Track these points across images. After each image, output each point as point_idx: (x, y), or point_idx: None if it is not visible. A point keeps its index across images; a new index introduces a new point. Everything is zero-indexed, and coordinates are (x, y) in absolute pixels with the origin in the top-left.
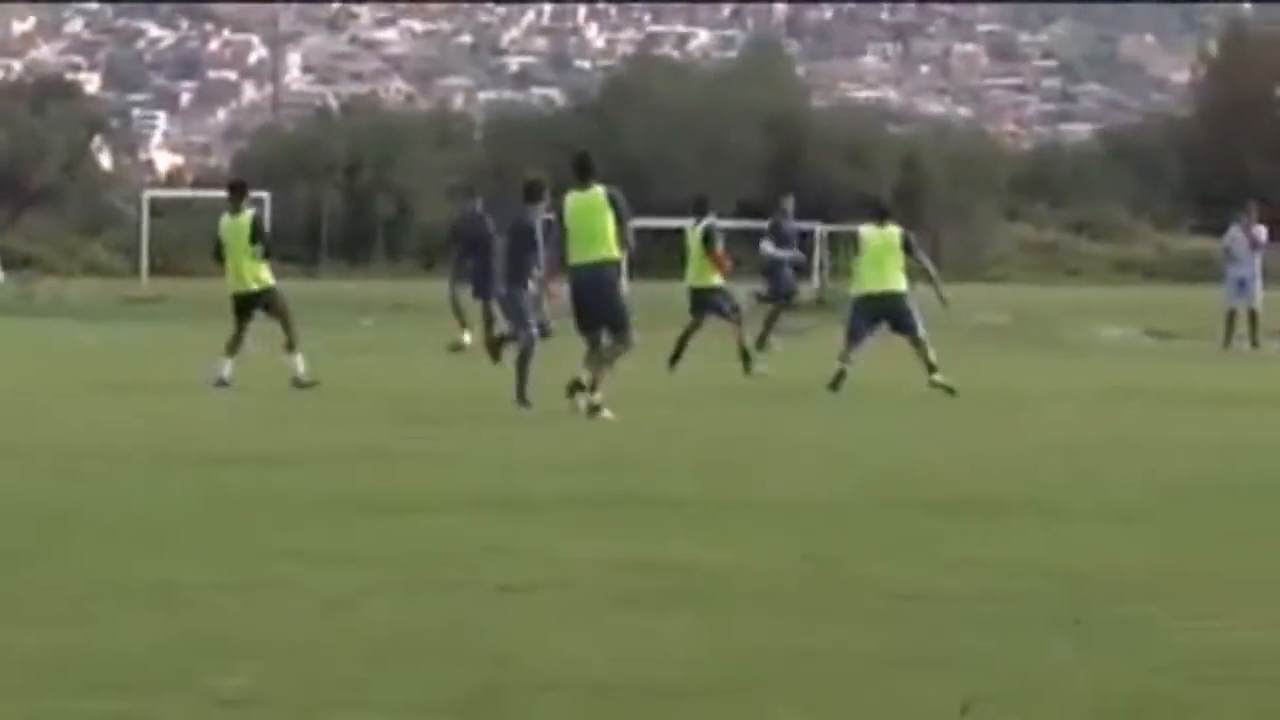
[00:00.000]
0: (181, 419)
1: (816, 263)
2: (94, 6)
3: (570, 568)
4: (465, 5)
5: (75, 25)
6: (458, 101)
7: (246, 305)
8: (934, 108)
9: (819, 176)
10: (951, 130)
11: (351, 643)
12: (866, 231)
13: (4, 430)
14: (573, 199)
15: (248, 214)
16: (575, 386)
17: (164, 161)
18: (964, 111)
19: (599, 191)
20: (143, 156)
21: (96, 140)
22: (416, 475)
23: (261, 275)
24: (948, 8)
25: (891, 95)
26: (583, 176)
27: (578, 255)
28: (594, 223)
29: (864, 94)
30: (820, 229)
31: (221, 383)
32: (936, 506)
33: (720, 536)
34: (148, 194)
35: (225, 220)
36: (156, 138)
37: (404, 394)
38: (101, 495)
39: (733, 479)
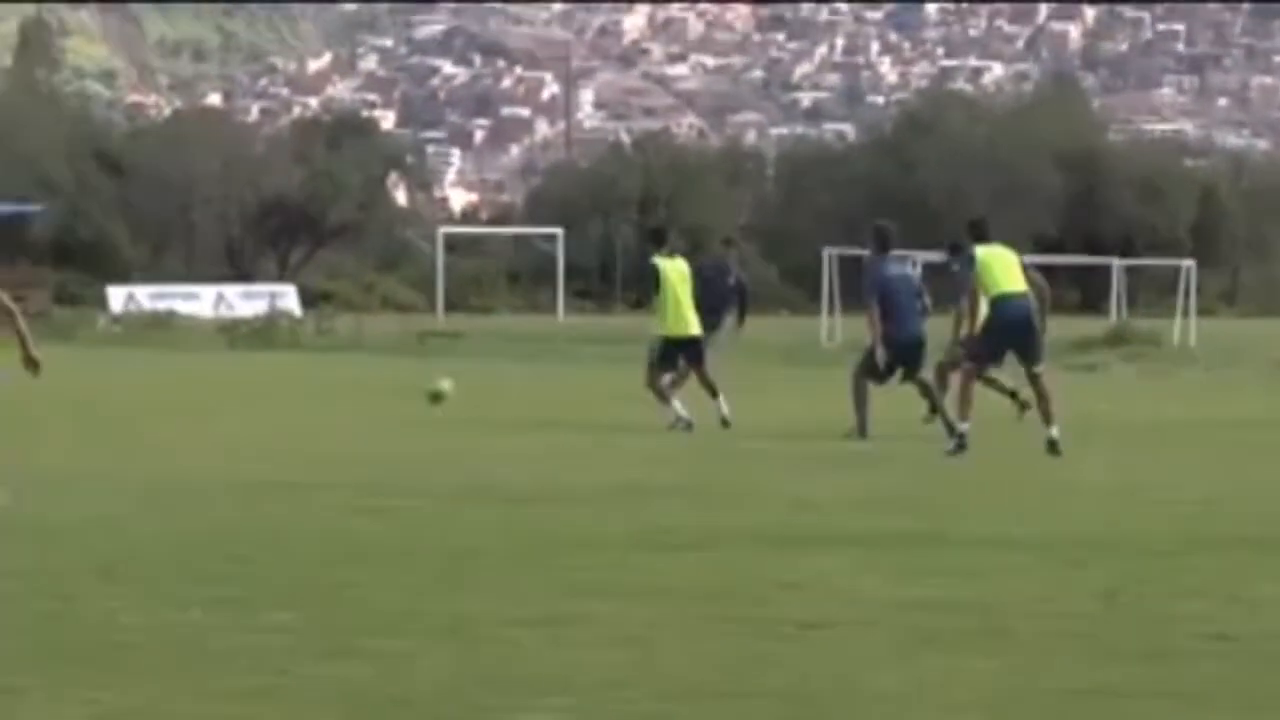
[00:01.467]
0: (480, 454)
1: (1114, 298)
2: (389, 44)
3: (868, 605)
4: (757, 40)
5: (370, 63)
6: (749, 137)
7: (680, 349)
8: (1232, 140)
9: (1114, 212)
10: (1250, 163)
11: (650, 678)
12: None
13: (303, 466)
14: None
15: (681, 259)
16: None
17: (459, 198)
18: (1262, 144)
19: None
20: (438, 193)
21: (392, 177)
22: (707, 511)
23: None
24: (1245, 39)
25: (1188, 128)
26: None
27: (1007, 287)
28: (1013, 264)
29: (1160, 127)
30: (1117, 264)
31: (688, 424)
32: (1240, 542)
33: (1018, 574)
34: (443, 230)
35: (664, 262)
36: (451, 174)
37: (698, 431)
38: (399, 530)
39: (1025, 516)
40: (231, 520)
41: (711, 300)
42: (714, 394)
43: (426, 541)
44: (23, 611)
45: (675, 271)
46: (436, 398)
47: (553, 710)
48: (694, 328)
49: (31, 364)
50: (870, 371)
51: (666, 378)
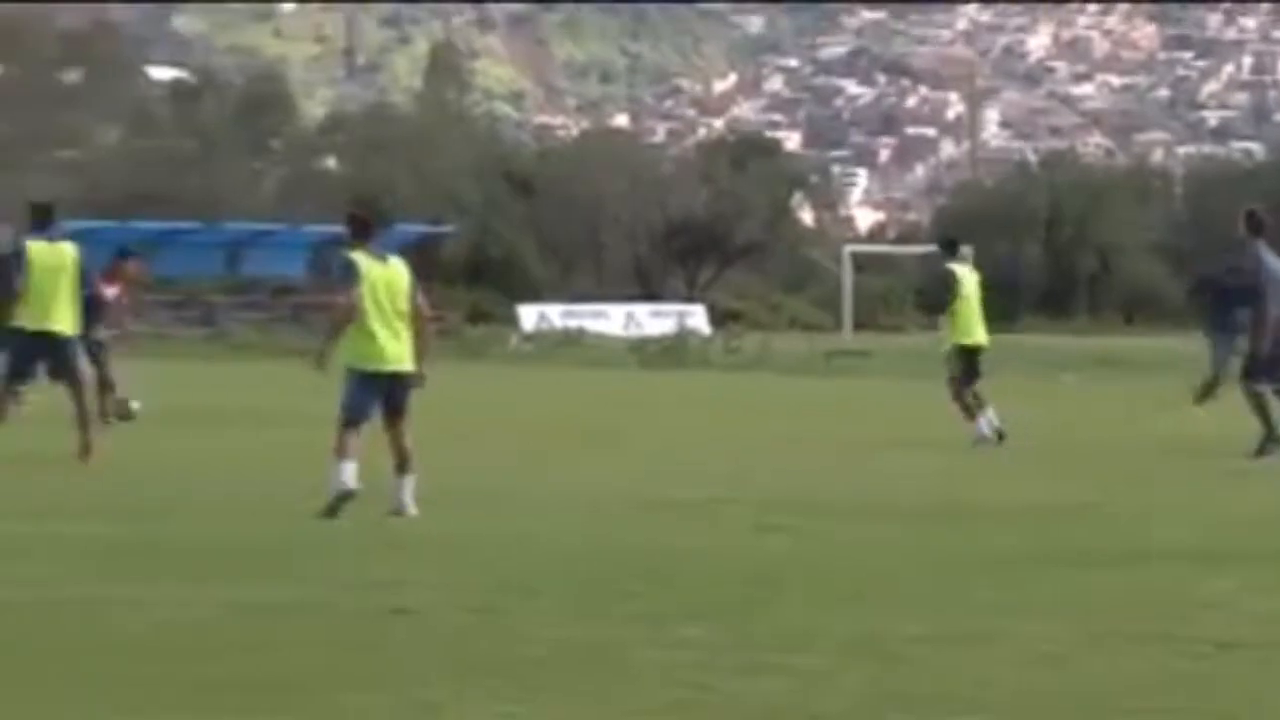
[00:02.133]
0: (883, 473)
1: None
2: (793, 64)
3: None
4: (1163, 59)
5: (775, 84)
6: (1156, 156)
7: (974, 355)
8: None
9: None
10: None
11: (1067, 696)
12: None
13: (710, 483)
14: None
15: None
16: None
17: (865, 217)
18: None
19: None
20: (843, 212)
21: (797, 197)
22: (1120, 529)
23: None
24: None
25: None
26: None
27: None
28: None
29: None
30: None
31: (996, 436)
32: None
33: None
34: (848, 249)
35: (960, 270)
36: (856, 194)
37: (1104, 449)
38: (806, 547)
39: None
40: (642, 536)
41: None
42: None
43: (833, 558)
44: (438, 625)
45: (970, 281)
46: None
47: None
48: (984, 336)
49: (418, 379)
50: (1260, 372)
51: (970, 390)
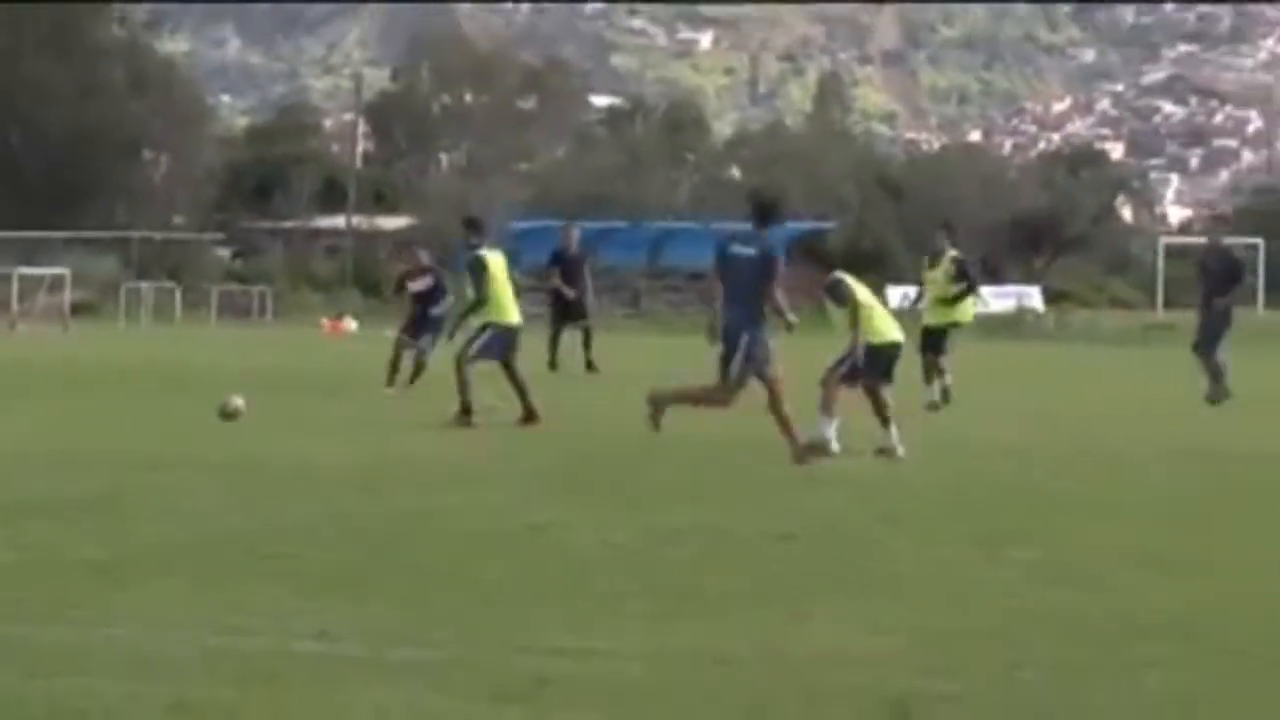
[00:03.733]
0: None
1: None
2: (1119, 88)
3: None
4: None
5: (1104, 104)
6: None
7: None
8: None
9: None
10: None
11: None
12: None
13: (1028, 430)
14: None
15: None
16: None
17: (1176, 214)
18: None
19: None
20: (1158, 210)
21: (1120, 198)
22: None
23: None
24: None
25: None
26: None
27: None
28: None
29: None
30: None
31: None
32: None
33: None
34: (1163, 240)
35: None
36: (1170, 195)
37: None
38: (1096, 486)
39: None
40: (984, 472)
41: None
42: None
43: (1148, 494)
44: (819, 552)
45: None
46: (228, 415)
47: None
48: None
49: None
50: None
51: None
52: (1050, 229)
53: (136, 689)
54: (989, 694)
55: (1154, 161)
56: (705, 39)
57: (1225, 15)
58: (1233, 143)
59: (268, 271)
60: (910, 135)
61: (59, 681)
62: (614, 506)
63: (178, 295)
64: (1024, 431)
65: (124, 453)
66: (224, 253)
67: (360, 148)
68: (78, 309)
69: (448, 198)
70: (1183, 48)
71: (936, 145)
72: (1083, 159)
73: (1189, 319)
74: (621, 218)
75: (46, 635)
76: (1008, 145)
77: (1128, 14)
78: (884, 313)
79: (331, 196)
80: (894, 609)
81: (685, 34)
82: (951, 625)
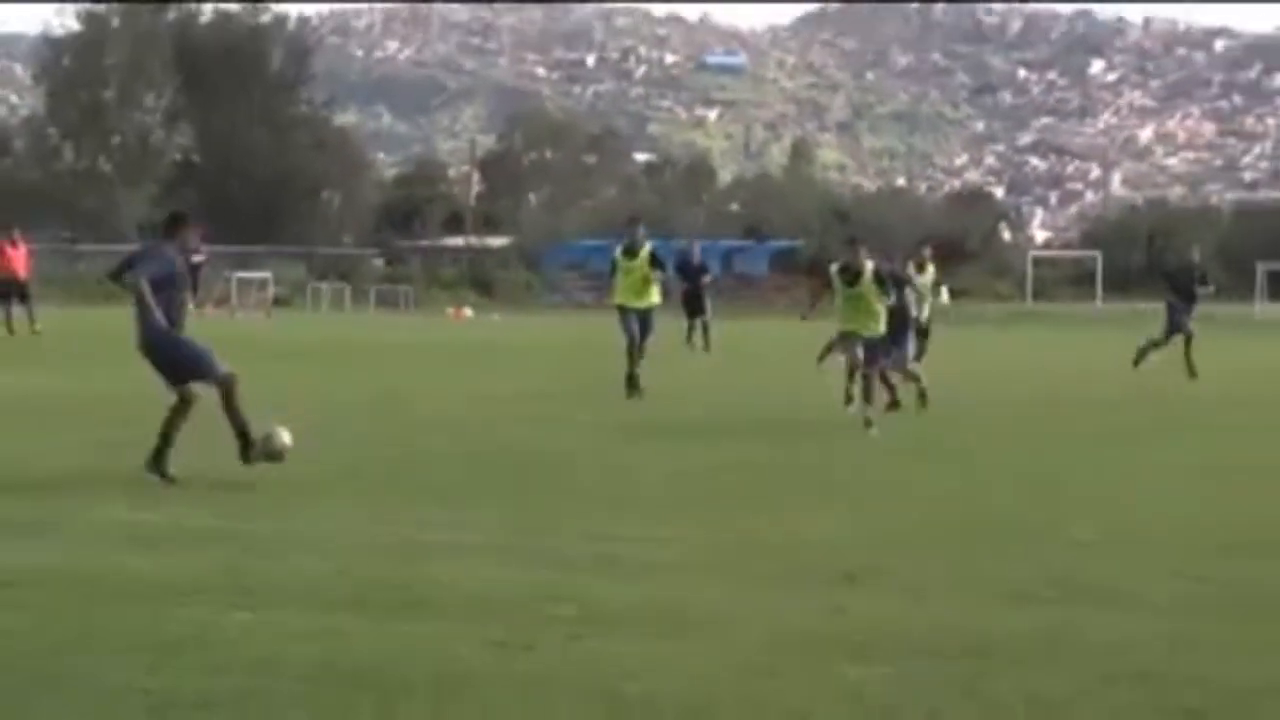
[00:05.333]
0: None
1: None
2: (1001, 148)
3: None
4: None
5: (990, 159)
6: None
7: None
8: None
9: None
10: None
11: None
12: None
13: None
14: None
15: None
16: None
17: (1040, 236)
18: None
19: None
20: (1027, 233)
21: (1001, 224)
22: None
23: None
24: None
25: None
26: None
27: None
28: None
29: None
30: None
31: None
32: None
33: None
34: (1031, 253)
35: None
36: (1035, 222)
37: None
38: None
39: None
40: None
41: None
42: None
43: None
44: (801, 471)
45: None
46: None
47: None
48: None
49: None
50: None
51: None
52: (952, 246)
53: (319, 563)
54: (912, 566)
55: (1025, 199)
56: (713, 114)
57: (1074, 98)
58: (1079, 186)
59: (410, 275)
60: (856, 180)
61: (289, 560)
62: (679, 441)
63: (347, 292)
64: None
65: (323, 397)
66: (379, 262)
67: (474, 190)
68: (278, 301)
69: (535, 224)
70: (1045, 120)
71: (874, 188)
72: (975, 198)
73: (1052, 310)
74: (656, 238)
75: (266, 528)
76: (923, 188)
77: (1007, 96)
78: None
79: (454, 224)
80: (849, 511)
81: (700, 110)
82: (889, 524)
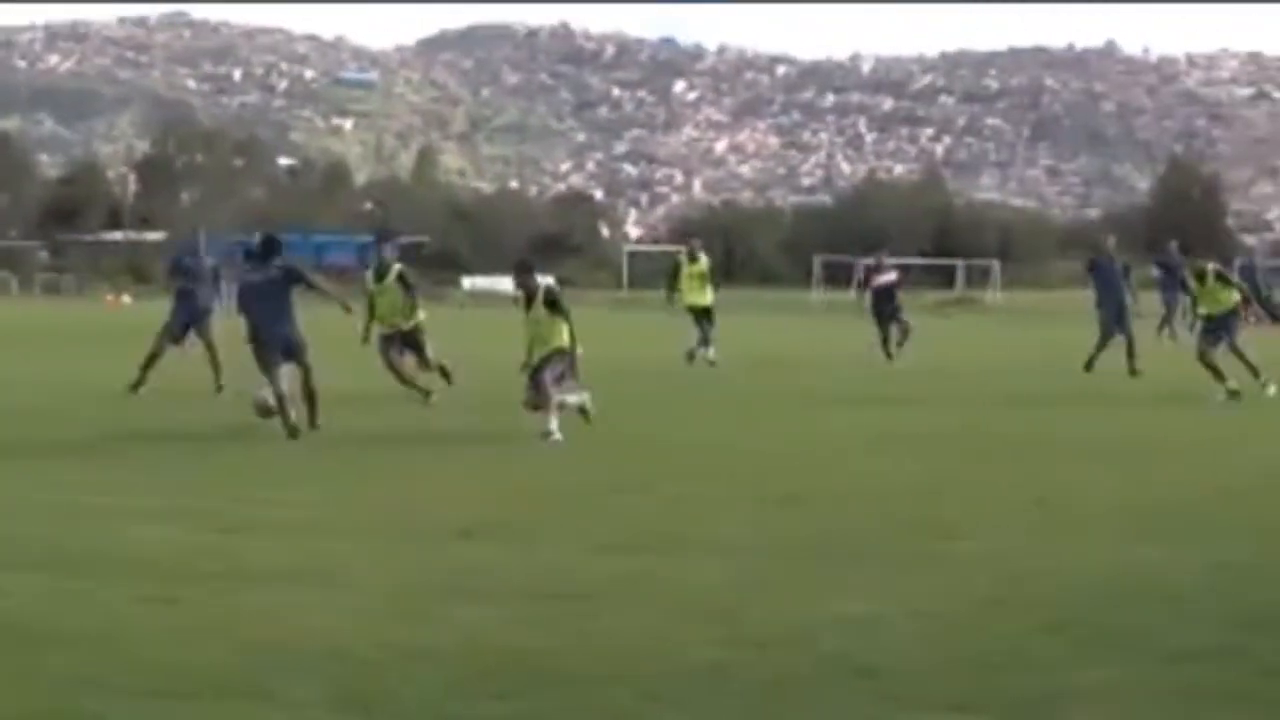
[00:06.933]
0: None
1: None
2: (600, 156)
3: None
4: None
5: (590, 166)
6: None
7: None
8: None
9: None
10: None
11: None
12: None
13: None
14: None
15: None
16: None
17: (634, 232)
18: None
19: None
20: (623, 231)
21: (601, 223)
22: None
23: None
24: None
25: None
26: None
27: None
28: None
29: None
30: None
31: None
32: None
33: None
34: (627, 248)
35: None
36: (630, 221)
37: None
38: None
39: None
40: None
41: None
42: None
43: None
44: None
45: None
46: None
47: None
48: None
49: None
50: None
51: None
52: (555, 244)
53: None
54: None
55: (620, 200)
56: (349, 124)
57: (661, 113)
58: (666, 190)
59: (73, 266)
60: (475, 184)
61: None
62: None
63: (14, 282)
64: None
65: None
66: (44, 254)
67: (131, 189)
68: None
69: (188, 221)
70: (636, 132)
71: (491, 190)
72: (578, 199)
73: (646, 297)
74: (295, 233)
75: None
76: (534, 190)
77: (604, 111)
78: None
79: (113, 220)
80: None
81: (336, 120)
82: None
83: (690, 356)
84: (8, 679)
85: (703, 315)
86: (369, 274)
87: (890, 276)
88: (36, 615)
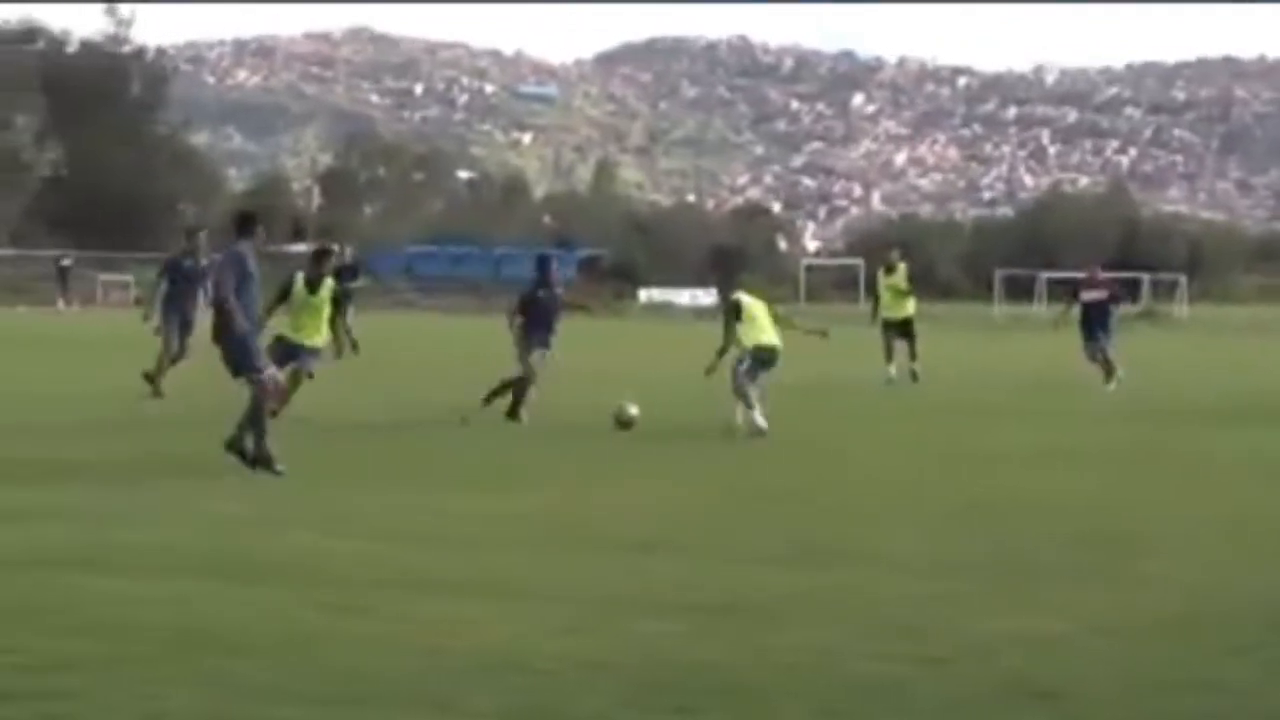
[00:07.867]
0: None
1: None
2: (778, 169)
3: None
4: None
5: (768, 179)
6: None
7: None
8: None
9: None
10: None
11: None
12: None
13: None
14: None
15: None
16: None
17: (811, 245)
18: None
19: None
20: (800, 244)
21: (778, 236)
22: None
23: None
24: None
25: None
26: None
27: None
28: None
29: None
30: None
31: None
32: None
33: None
34: (805, 262)
35: None
36: (808, 234)
37: None
38: None
39: None
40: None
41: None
42: None
43: None
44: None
45: None
46: (625, 425)
47: None
48: None
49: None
50: None
51: None
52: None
53: (168, 534)
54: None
55: (798, 214)
56: (527, 137)
57: (839, 126)
58: (844, 203)
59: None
60: (652, 197)
61: (142, 532)
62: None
63: (200, 293)
64: None
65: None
66: None
67: (315, 202)
68: (138, 301)
69: (370, 233)
70: (815, 145)
71: (668, 204)
72: (755, 212)
73: (823, 310)
74: (473, 246)
75: (120, 503)
76: (711, 204)
77: (781, 124)
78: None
79: (297, 232)
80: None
81: (515, 134)
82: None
83: (914, 376)
84: (198, 686)
85: (902, 329)
86: (299, 280)
87: (1098, 294)
88: (219, 621)
